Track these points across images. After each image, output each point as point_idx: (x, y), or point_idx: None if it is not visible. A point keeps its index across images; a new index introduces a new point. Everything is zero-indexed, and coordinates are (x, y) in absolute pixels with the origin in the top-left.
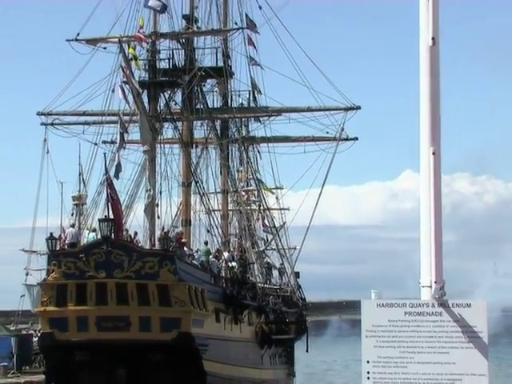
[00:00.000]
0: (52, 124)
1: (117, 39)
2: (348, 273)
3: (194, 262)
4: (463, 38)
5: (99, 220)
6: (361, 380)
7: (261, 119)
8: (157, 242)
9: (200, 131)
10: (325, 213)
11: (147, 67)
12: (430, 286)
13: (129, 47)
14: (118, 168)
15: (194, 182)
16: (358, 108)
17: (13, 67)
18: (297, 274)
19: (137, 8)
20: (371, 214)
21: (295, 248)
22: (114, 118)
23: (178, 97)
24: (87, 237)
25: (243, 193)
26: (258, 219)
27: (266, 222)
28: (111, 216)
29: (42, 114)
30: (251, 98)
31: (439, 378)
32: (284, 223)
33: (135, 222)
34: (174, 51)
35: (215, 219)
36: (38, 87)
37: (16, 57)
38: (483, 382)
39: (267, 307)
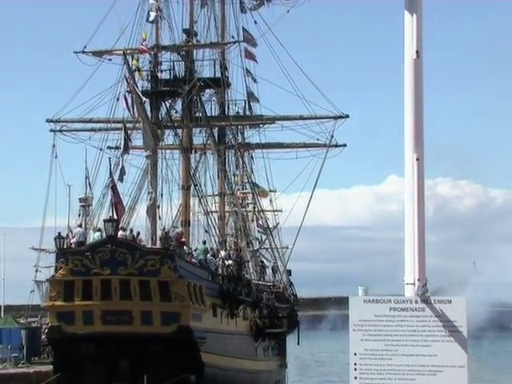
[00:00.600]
0: (60, 130)
1: (121, 51)
2: (337, 270)
3: (193, 260)
4: (449, 47)
5: (104, 220)
6: (348, 371)
7: (256, 127)
8: (158, 241)
9: (199, 138)
10: (315, 214)
11: (150, 78)
12: (414, 284)
13: (132, 59)
14: (122, 172)
15: (193, 185)
16: (347, 117)
17: (24, 77)
18: (289, 272)
19: (140, 22)
20: (358, 216)
21: (287, 247)
22: (119, 125)
23: (179, 105)
24: (93, 236)
25: (239, 195)
26: (252, 220)
27: (260, 222)
28: (115, 217)
29: (51, 121)
30: (247, 106)
31: (422, 369)
32: (277, 224)
33: (138, 223)
34: (175, 63)
35: (213, 220)
36: (48, 96)
37: (27, 67)
38: (462, 373)
39: (261, 303)
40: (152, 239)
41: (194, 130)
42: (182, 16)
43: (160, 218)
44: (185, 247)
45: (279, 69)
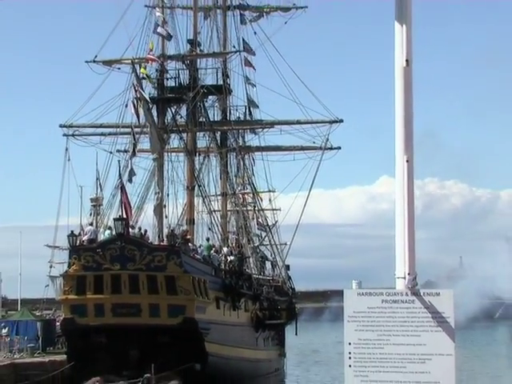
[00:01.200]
0: (73, 135)
1: (129, 61)
2: (332, 265)
3: (197, 256)
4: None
5: (114, 219)
6: (343, 359)
7: (256, 131)
8: (164, 239)
9: (202, 141)
10: (312, 213)
11: (156, 85)
12: (404, 278)
13: (140, 67)
14: (131, 173)
15: (197, 186)
16: (341, 121)
17: (38, 85)
18: (287, 267)
19: (147, 33)
20: (352, 214)
21: (286, 244)
22: (127, 130)
23: (183, 111)
24: (103, 234)
25: (240, 195)
26: (253, 218)
27: (260, 220)
28: (124, 215)
29: (64, 126)
30: (247, 112)
31: (411, 357)
32: (276, 222)
33: (145, 221)
34: (180, 71)
35: (216, 218)
36: (61, 103)
37: (41, 76)
38: (450, 361)
39: (261, 296)
40: (159, 237)
41: (197, 134)
42: (187, 27)
43: (166, 217)
44: (189, 244)
45: (278, 76)
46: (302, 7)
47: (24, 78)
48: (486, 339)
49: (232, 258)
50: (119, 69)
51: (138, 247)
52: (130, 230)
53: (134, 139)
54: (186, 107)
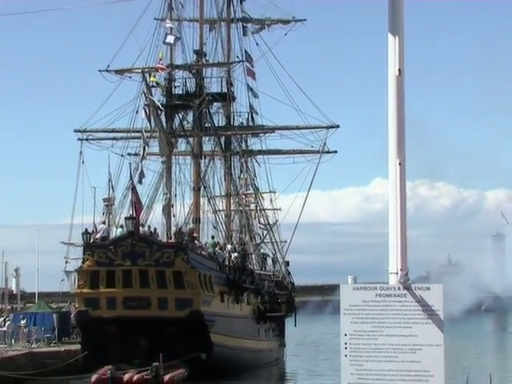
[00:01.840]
0: (86, 139)
1: (140, 70)
2: (329, 261)
3: (203, 252)
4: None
5: (125, 218)
6: (340, 349)
7: (258, 135)
8: (172, 236)
9: (208, 145)
10: (310, 212)
11: (165, 93)
12: (397, 273)
13: (150, 76)
14: (141, 175)
15: (202, 187)
16: (338, 126)
17: (54, 93)
18: (287, 263)
19: (156, 44)
20: (348, 214)
21: (286, 241)
22: (138, 134)
23: (190, 117)
24: (115, 232)
25: (243, 196)
26: (255, 218)
27: (261, 220)
28: (135, 215)
29: (79, 131)
30: (250, 118)
31: (403, 347)
32: (276, 221)
33: (155, 220)
34: (187, 80)
35: (220, 217)
36: (75, 109)
37: (57, 84)
38: (439, 350)
39: (263, 290)
40: (167, 234)
41: (203, 138)
42: (193, 39)
43: (174, 216)
44: (196, 241)
45: (278, 84)
46: (300, 20)
47: (40, 85)
48: (472, 330)
49: (235, 254)
50: (130, 77)
51: (148, 244)
52: (140, 228)
53: (145, 143)
54: (192, 113)
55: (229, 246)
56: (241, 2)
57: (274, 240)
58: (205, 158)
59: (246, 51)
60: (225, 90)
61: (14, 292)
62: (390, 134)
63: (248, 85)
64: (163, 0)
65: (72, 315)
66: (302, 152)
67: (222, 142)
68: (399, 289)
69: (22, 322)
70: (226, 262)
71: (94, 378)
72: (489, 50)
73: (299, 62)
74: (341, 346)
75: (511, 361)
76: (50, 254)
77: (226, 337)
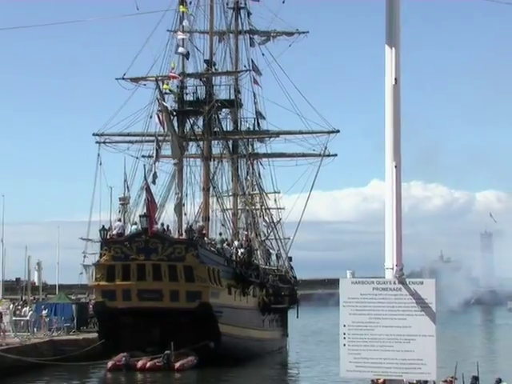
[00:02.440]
0: (104, 142)
1: (154, 78)
2: (329, 257)
3: (212, 248)
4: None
5: (140, 216)
6: (339, 339)
7: (263, 140)
8: (183, 233)
9: (216, 148)
10: (312, 211)
11: (177, 99)
12: (392, 268)
13: (163, 84)
14: (154, 176)
15: (211, 187)
16: (338, 131)
17: (74, 100)
18: (290, 258)
19: (169, 54)
20: (347, 213)
21: (289, 238)
22: (152, 138)
23: (200, 122)
24: (130, 228)
25: (249, 196)
26: (260, 216)
27: (266, 218)
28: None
29: (97, 134)
30: (256, 123)
31: (398, 338)
32: (280, 219)
33: (167, 218)
34: (197, 87)
35: (228, 216)
36: (94, 114)
37: (76, 92)
38: (431, 340)
39: (267, 283)
40: (178, 231)
41: (212, 142)
42: (203, 49)
43: (185, 214)
44: (205, 238)
45: (282, 92)
46: (304, 32)
47: (61, 93)
48: (464, 322)
49: (242, 250)
50: (145, 85)
51: (161, 240)
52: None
53: (158, 146)
54: (202, 119)
55: (236, 243)
56: (248, 16)
57: (277, 237)
58: (214, 160)
59: (252, 61)
60: (233, 97)
61: (37, 284)
62: (387, 138)
63: (254, 92)
64: (176, 13)
65: (90, 306)
66: (304, 155)
67: (230, 146)
68: (395, 283)
69: (44, 312)
70: (233, 258)
71: (109, 364)
72: (486, 58)
73: (302, 71)
74: (340, 335)
75: (497, 350)
76: (69, 249)
77: (233, 327)
